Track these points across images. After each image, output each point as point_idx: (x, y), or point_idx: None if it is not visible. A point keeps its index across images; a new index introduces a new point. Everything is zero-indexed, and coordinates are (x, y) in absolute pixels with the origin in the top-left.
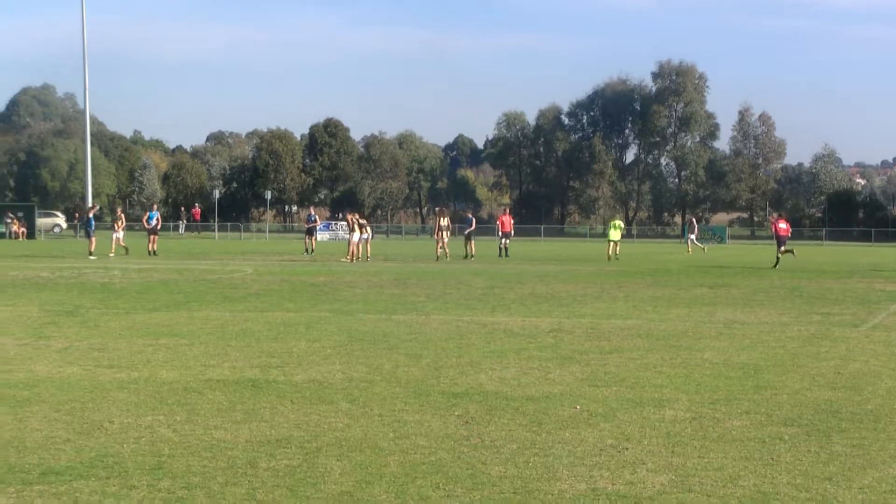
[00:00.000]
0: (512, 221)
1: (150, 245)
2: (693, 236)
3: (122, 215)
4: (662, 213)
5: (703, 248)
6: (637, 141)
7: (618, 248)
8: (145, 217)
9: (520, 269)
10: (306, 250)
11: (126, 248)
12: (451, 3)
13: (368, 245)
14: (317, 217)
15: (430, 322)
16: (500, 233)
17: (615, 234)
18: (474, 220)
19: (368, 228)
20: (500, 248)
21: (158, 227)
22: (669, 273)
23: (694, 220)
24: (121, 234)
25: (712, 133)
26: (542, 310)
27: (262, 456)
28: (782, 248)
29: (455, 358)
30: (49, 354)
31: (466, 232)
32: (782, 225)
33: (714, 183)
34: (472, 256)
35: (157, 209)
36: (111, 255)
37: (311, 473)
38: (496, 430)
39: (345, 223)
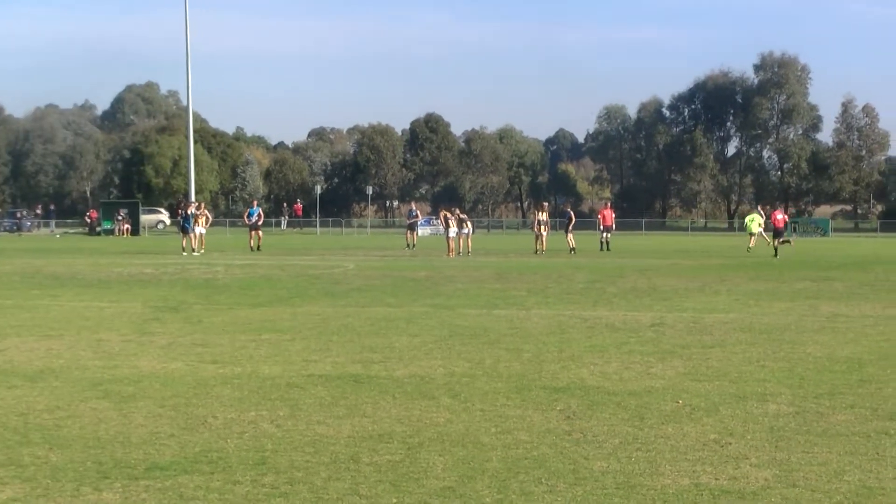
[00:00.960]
0: (613, 215)
1: (251, 241)
2: (761, 229)
3: (206, 211)
4: (765, 206)
5: (769, 242)
6: (739, 134)
7: (753, 241)
8: (246, 213)
9: (621, 263)
10: (408, 245)
11: (193, 249)
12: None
13: (469, 240)
14: (418, 212)
15: (531, 317)
16: (601, 226)
17: (755, 227)
18: (573, 214)
19: (469, 223)
20: (602, 242)
21: (260, 222)
22: (772, 266)
23: (761, 210)
24: (203, 230)
25: (815, 125)
26: (644, 304)
27: (364, 451)
28: (779, 239)
29: (556, 352)
30: (153, 350)
31: (567, 227)
32: (779, 216)
33: (817, 175)
34: (573, 250)
35: (258, 205)
36: (195, 252)
37: (413, 468)
38: (598, 425)
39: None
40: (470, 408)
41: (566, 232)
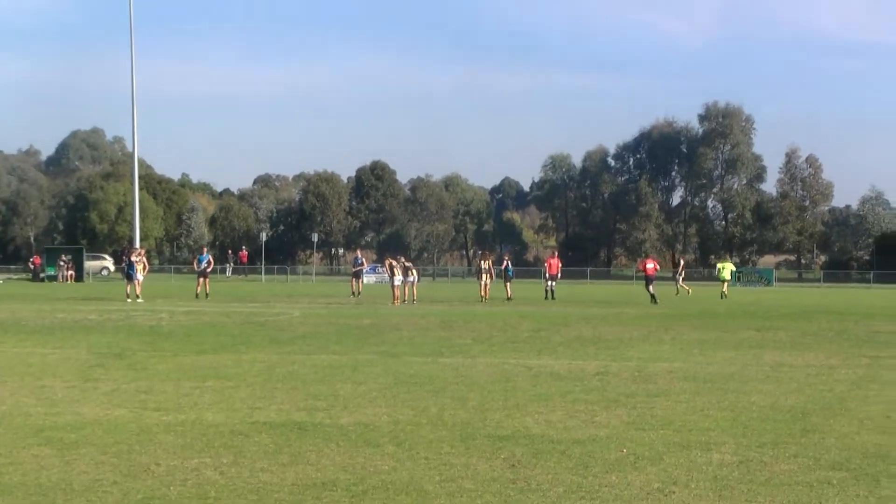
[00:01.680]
0: (559, 264)
1: (199, 287)
2: (681, 277)
3: (144, 258)
4: (709, 255)
5: (689, 291)
6: (683, 183)
7: (726, 287)
8: (196, 259)
9: (566, 312)
10: (353, 293)
11: (138, 296)
12: (494, 42)
13: (415, 288)
14: (363, 260)
15: (477, 365)
16: (546, 275)
17: (727, 273)
18: (507, 262)
19: (414, 271)
20: (547, 291)
21: (209, 269)
22: (716, 315)
23: (682, 261)
24: (141, 277)
25: (759, 175)
26: (589, 352)
27: (308, 499)
28: (651, 288)
29: (501, 401)
30: (96, 397)
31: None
32: (649, 265)
33: (761, 225)
34: (508, 299)
35: (207, 251)
36: (139, 299)
37: None
38: (542, 474)
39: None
40: (414, 456)
41: (505, 280)
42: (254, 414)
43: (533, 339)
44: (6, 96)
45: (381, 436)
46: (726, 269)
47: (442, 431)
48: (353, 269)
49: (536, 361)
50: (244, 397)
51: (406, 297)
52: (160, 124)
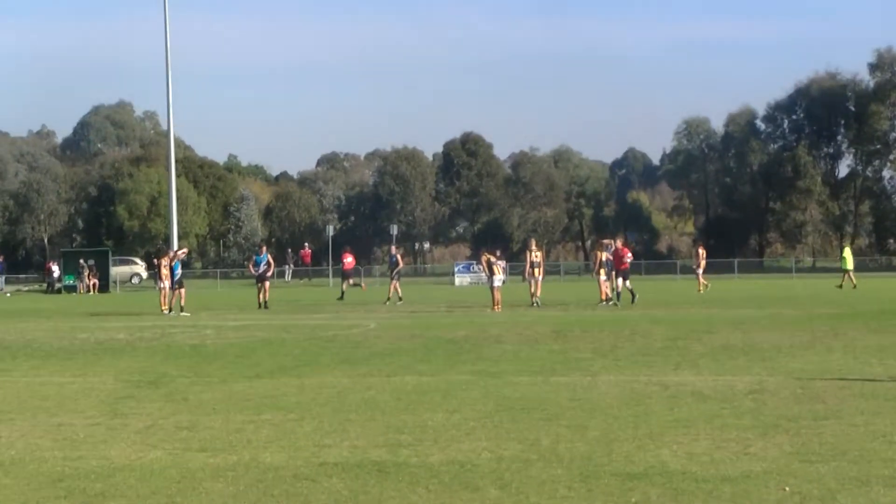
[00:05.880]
0: (630, 255)
1: (260, 295)
2: (700, 270)
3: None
4: (887, 239)
5: (708, 285)
6: (852, 149)
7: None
8: (252, 261)
9: (709, 315)
10: (388, 298)
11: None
12: None
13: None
14: (399, 257)
15: (599, 384)
16: (614, 269)
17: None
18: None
19: (501, 266)
20: (618, 291)
21: (269, 272)
22: None
23: (701, 248)
24: (166, 283)
25: None
26: (739, 365)
27: None
28: (626, 282)
29: (630, 429)
30: (127, 436)
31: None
32: (627, 257)
33: None
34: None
35: (267, 251)
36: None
37: None
38: None
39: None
40: (523, 501)
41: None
42: (321, 453)
43: (668, 350)
44: (12, 68)
45: (481, 476)
46: (848, 256)
47: (557, 469)
48: (391, 270)
49: (674, 378)
50: (309, 432)
51: (497, 302)
52: (201, 97)
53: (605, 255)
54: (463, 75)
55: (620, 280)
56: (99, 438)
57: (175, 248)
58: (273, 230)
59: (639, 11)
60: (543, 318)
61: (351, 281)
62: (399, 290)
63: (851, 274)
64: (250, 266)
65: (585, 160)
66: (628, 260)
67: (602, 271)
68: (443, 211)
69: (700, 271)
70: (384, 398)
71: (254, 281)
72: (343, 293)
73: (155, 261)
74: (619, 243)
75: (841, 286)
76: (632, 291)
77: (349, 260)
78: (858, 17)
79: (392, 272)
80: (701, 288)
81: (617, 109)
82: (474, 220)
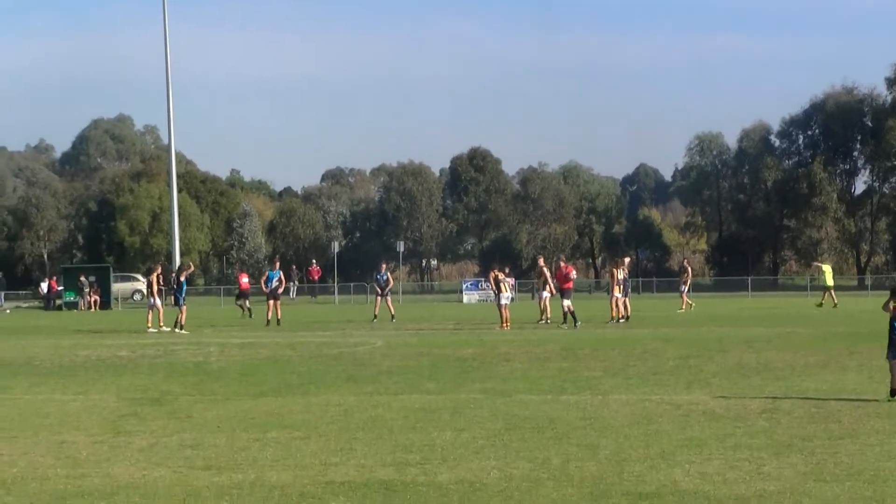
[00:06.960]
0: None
1: (269, 312)
2: (685, 287)
3: (156, 278)
4: (550, 260)
5: (692, 305)
6: (868, 165)
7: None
8: (264, 278)
9: (721, 333)
10: (378, 315)
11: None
12: (622, 3)
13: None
14: (389, 275)
15: (609, 403)
16: (553, 289)
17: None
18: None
19: (507, 284)
20: (565, 313)
21: (281, 290)
22: None
23: (687, 264)
24: (157, 300)
25: None
26: (752, 385)
27: None
28: (568, 304)
29: (642, 448)
30: (130, 454)
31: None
32: (572, 274)
33: None
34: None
35: (279, 267)
36: (152, 329)
37: None
38: None
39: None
40: None
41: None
42: (328, 472)
43: (680, 370)
44: (10, 81)
45: (491, 496)
46: (828, 273)
47: (567, 489)
48: (378, 288)
49: (685, 397)
50: (316, 451)
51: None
52: (203, 111)
53: (620, 273)
54: (471, 90)
55: (566, 301)
56: (102, 456)
57: (178, 263)
58: (277, 246)
59: (650, 26)
60: (552, 336)
61: (247, 302)
62: (391, 307)
63: (833, 292)
64: (261, 283)
65: (596, 176)
66: (573, 278)
67: (617, 289)
68: (450, 227)
69: (685, 289)
70: (391, 416)
71: (264, 297)
72: (250, 311)
73: (149, 277)
74: (562, 262)
75: (821, 304)
76: (573, 314)
77: (245, 280)
78: (875, 30)
79: (381, 290)
80: (684, 306)
81: (628, 124)
82: (482, 236)
